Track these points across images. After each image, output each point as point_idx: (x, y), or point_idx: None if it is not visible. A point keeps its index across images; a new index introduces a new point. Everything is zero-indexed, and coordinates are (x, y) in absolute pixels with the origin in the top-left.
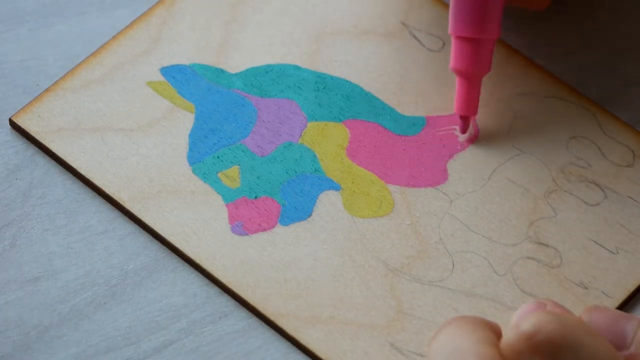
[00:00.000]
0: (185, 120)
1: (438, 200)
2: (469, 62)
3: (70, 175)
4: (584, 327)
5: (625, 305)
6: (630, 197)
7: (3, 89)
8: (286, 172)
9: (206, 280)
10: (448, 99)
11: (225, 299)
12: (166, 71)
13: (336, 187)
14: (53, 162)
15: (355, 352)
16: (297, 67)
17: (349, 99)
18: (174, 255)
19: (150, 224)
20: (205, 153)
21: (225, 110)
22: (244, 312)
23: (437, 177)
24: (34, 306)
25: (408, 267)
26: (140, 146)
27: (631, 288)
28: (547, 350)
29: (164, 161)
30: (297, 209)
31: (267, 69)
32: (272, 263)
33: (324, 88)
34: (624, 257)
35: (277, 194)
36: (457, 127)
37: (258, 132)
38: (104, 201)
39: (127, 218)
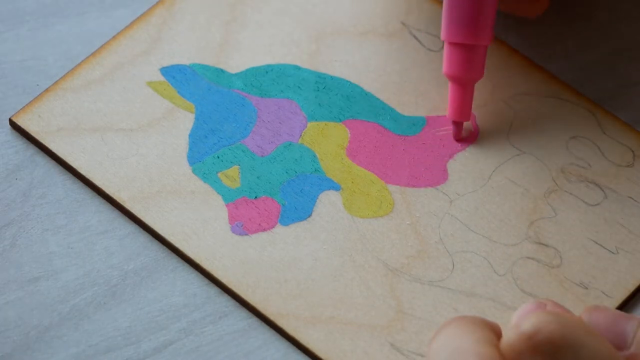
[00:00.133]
0: (185, 120)
1: (438, 200)
2: (462, 67)
3: (70, 175)
4: (584, 327)
5: (625, 305)
6: (630, 197)
7: (3, 89)
8: (286, 172)
9: (206, 280)
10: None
11: (225, 299)
12: (166, 71)
13: (336, 187)
14: (53, 162)
15: (355, 352)
16: (297, 67)
17: (349, 99)
18: (174, 255)
19: (150, 224)
20: (205, 153)
21: (225, 110)
22: (244, 312)
23: (437, 177)
24: (34, 306)
25: (408, 267)
26: (140, 146)
27: (631, 288)
28: (547, 350)
29: (164, 161)
30: (297, 209)
31: (267, 69)
32: (272, 263)
33: (324, 88)
34: (624, 257)
35: (277, 194)
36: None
37: (258, 132)
38: (104, 201)
39: (127, 218)
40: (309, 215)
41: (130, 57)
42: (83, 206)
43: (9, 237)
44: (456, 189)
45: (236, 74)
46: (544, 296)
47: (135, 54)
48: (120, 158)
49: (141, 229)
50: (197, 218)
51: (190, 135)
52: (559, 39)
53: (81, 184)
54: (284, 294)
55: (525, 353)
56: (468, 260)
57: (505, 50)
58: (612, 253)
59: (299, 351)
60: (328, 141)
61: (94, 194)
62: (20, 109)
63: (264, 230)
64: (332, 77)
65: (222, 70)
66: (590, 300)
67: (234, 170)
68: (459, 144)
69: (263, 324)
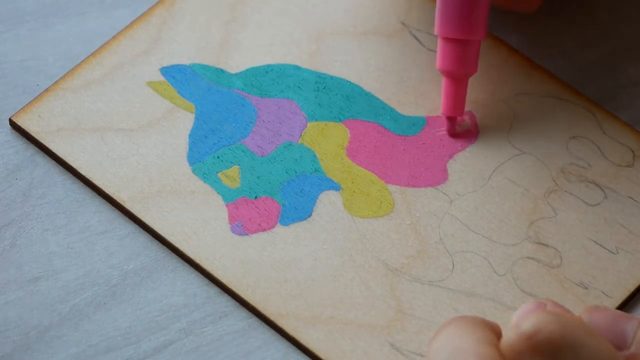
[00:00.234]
0: (185, 120)
1: (438, 200)
2: (456, 62)
3: (70, 175)
4: (584, 327)
5: (625, 305)
6: (630, 197)
7: (3, 89)
8: (286, 172)
9: (206, 280)
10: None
11: (225, 299)
12: (166, 71)
13: (336, 187)
14: (53, 162)
15: (355, 352)
16: (297, 67)
17: (349, 99)
18: (174, 255)
19: (150, 224)
20: (205, 153)
21: (225, 110)
22: (244, 312)
23: (437, 177)
24: (34, 306)
25: (408, 267)
26: (140, 146)
27: (631, 288)
28: (547, 350)
29: (164, 161)
30: (297, 209)
31: (267, 69)
32: (272, 263)
33: (324, 88)
34: (624, 257)
35: (277, 194)
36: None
37: (258, 132)
38: (104, 201)
39: (127, 218)
40: (309, 215)
41: (130, 57)
42: (83, 206)
43: (9, 237)
44: (456, 189)
45: (236, 74)
46: (544, 296)
47: (135, 54)
48: (120, 158)
49: (141, 229)
50: (197, 218)
51: (190, 135)
52: (559, 39)
53: (81, 184)
54: (284, 294)
55: (525, 353)
56: (468, 260)
57: (505, 50)
58: (612, 253)
59: (299, 351)
60: (328, 141)
61: (94, 194)
62: (20, 109)
63: (264, 230)
64: (332, 77)
65: (222, 70)
66: (590, 300)
67: (234, 170)
68: (459, 144)
69: (263, 324)
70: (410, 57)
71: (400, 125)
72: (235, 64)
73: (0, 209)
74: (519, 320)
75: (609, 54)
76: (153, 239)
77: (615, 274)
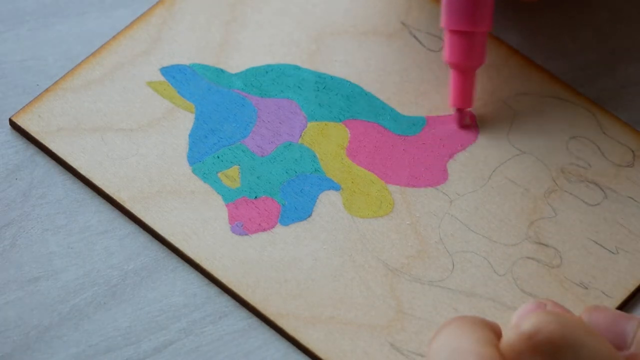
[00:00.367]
0: (185, 120)
1: (438, 200)
2: (463, 54)
3: (70, 175)
4: (584, 327)
5: (625, 305)
6: (630, 197)
7: (3, 89)
8: (286, 172)
9: (206, 280)
10: (448, 99)
11: (225, 299)
12: (166, 71)
13: (336, 187)
14: (53, 162)
15: (355, 352)
16: (297, 67)
17: (349, 99)
18: (174, 255)
19: (150, 224)
20: (205, 153)
21: (225, 110)
22: (244, 312)
23: (437, 177)
24: (34, 306)
25: (408, 267)
26: (140, 146)
27: (631, 288)
28: (547, 350)
29: (164, 161)
30: (297, 209)
31: (267, 69)
32: (272, 263)
33: (324, 88)
34: (624, 257)
35: (277, 194)
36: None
37: (258, 132)
38: (104, 201)
39: (127, 218)
40: (309, 215)
41: (130, 57)
42: (83, 206)
43: (9, 237)
44: (456, 189)
45: (236, 74)
46: (544, 296)
47: (135, 54)
48: (120, 158)
49: (141, 229)
50: (197, 218)
51: (190, 135)
52: (559, 39)
53: (81, 184)
54: (284, 294)
55: (525, 353)
56: (468, 260)
57: (505, 50)
58: (612, 253)
59: (299, 351)
60: (328, 141)
61: (94, 194)
62: (20, 109)
63: (264, 230)
64: (332, 77)
65: (222, 70)
66: (590, 300)
67: (234, 170)
68: (459, 144)
69: (263, 324)
70: (410, 57)
71: (400, 125)
72: (235, 64)
73: (0, 209)
74: (519, 320)
75: (609, 54)
76: (153, 239)
77: (615, 274)
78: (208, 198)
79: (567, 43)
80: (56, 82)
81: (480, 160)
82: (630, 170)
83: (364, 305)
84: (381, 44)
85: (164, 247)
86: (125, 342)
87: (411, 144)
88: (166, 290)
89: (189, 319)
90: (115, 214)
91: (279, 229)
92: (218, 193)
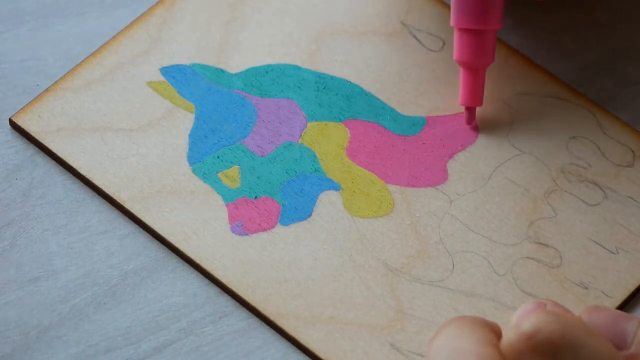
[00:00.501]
0: (185, 120)
1: (438, 200)
2: (473, 53)
3: (70, 175)
4: (584, 327)
5: (625, 305)
6: (630, 197)
7: (3, 89)
8: (286, 172)
9: (206, 280)
10: (448, 99)
11: (225, 299)
12: (166, 71)
13: (336, 187)
14: (53, 162)
15: (355, 352)
16: (297, 67)
17: (349, 99)
18: (174, 255)
19: (150, 224)
20: (205, 153)
21: (225, 110)
22: (244, 312)
23: (437, 177)
24: (34, 306)
25: (408, 267)
26: (140, 146)
27: (631, 288)
28: (547, 350)
29: (164, 161)
30: (297, 209)
31: (267, 69)
32: (272, 263)
33: (324, 88)
34: (624, 257)
35: (277, 194)
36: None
37: (258, 132)
38: (104, 201)
39: (127, 218)
40: (309, 215)
41: (130, 57)
42: (83, 206)
43: (9, 237)
44: (456, 189)
45: (236, 74)
46: (544, 296)
47: (135, 54)
48: (120, 158)
49: (141, 229)
50: (197, 218)
51: (190, 135)
52: (559, 39)
53: (81, 184)
54: (284, 294)
55: (525, 353)
56: (468, 260)
57: (505, 50)
58: (612, 253)
59: (299, 351)
60: (328, 141)
61: (94, 194)
62: (20, 109)
63: (264, 230)
64: (332, 77)
65: (222, 70)
66: (590, 300)
67: (234, 170)
68: (459, 144)
69: (263, 324)
70: (410, 57)
71: (400, 125)
72: (235, 64)
73: (0, 209)
74: (519, 320)
75: (609, 54)
76: (153, 239)
77: (615, 274)
78: (208, 198)
79: (567, 43)
80: (56, 82)
81: (480, 160)
82: (630, 170)
83: (364, 305)
84: (381, 44)
85: (164, 247)
86: (125, 342)
87: (411, 144)
88: (166, 290)
89: (189, 319)
90: (115, 214)
91: (279, 229)
92: (218, 193)
